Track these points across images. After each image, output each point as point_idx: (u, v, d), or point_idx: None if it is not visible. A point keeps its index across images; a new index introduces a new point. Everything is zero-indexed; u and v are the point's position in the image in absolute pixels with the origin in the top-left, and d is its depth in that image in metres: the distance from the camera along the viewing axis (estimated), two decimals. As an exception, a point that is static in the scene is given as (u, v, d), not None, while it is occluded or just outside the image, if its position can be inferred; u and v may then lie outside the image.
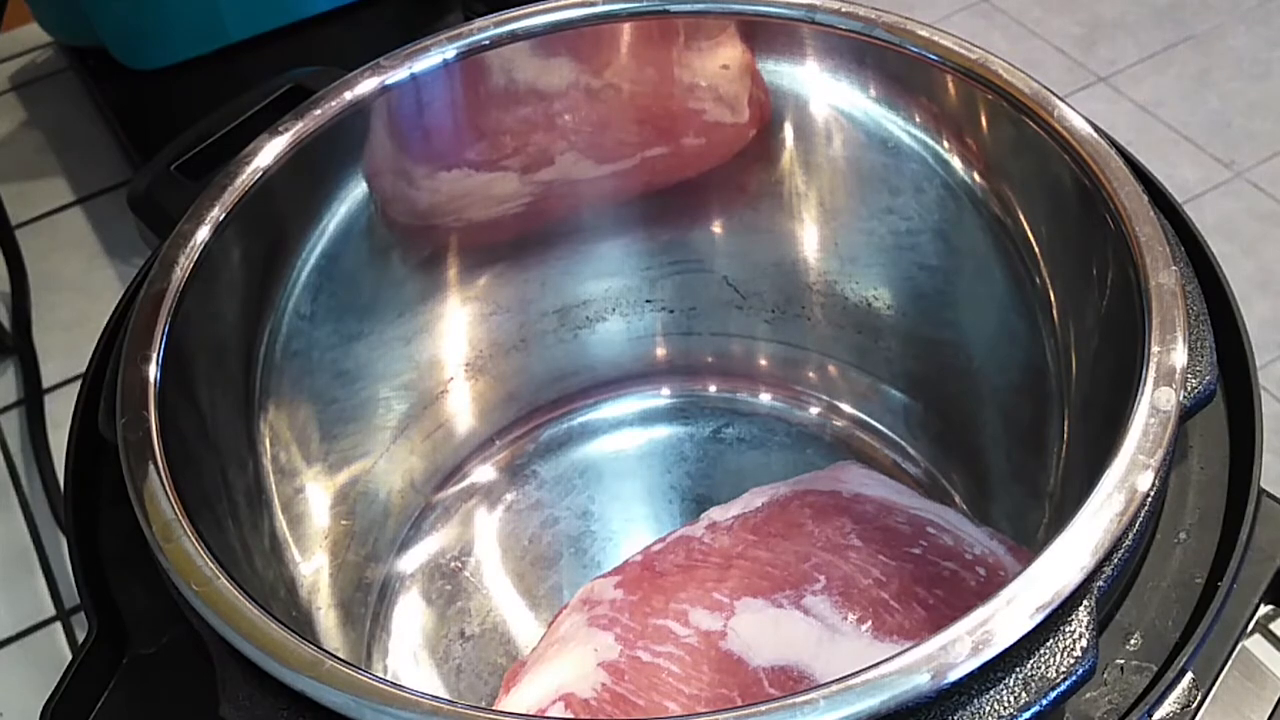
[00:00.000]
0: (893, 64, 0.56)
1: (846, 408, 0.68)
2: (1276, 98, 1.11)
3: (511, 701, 0.47)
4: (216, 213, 0.50)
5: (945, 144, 0.57)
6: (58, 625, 0.83)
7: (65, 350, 0.98)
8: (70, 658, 0.43)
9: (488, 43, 0.57)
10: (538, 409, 0.69)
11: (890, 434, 0.67)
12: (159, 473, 0.42)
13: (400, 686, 0.36)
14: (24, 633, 0.83)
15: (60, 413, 0.93)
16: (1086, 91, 1.13)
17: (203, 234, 0.50)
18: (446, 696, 0.37)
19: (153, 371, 0.45)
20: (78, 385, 0.50)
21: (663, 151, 0.63)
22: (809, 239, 0.65)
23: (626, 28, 0.58)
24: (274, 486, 0.57)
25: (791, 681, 0.47)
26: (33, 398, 0.94)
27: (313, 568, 0.57)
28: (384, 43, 0.58)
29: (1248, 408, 0.46)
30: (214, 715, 0.39)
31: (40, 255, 1.04)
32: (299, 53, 1.08)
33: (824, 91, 0.59)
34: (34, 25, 1.18)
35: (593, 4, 0.57)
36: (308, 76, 0.59)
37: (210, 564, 0.40)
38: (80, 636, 0.81)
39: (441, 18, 1.10)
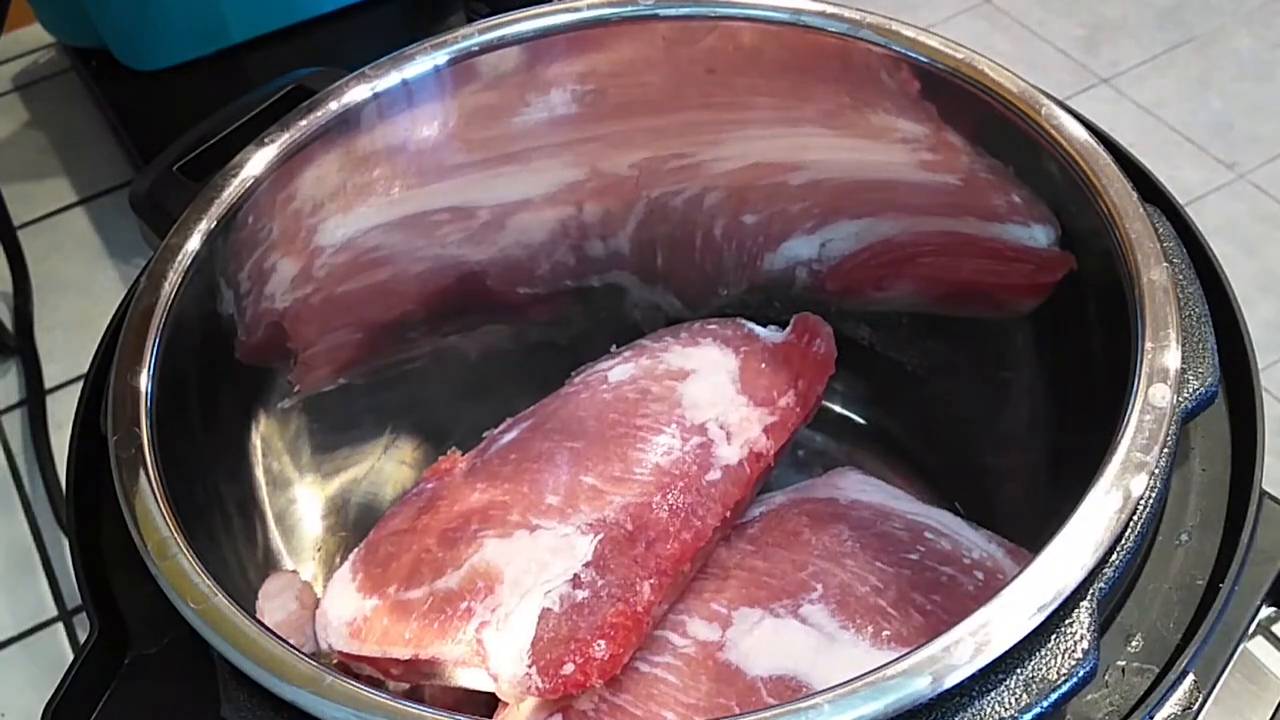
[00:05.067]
0: (877, 64, 0.56)
1: (842, 411, 0.68)
2: (1279, 99, 1.11)
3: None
4: (205, 225, 0.50)
5: (932, 144, 0.57)
6: (59, 626, 0.83)
7: (67, 351, 0.98)
8: (72, 658, 0.43)
9: (477, 49, 0.57)
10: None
11: (888, 437, 0.67)
12: (152, 489, 0.42)
13: (400, 700, 0.36)
14: (26, 633, 0.83)
15: (62, 413, 0.94)
16: (1089, 93, 1.13)
17: (191, 246, 0.50)
18: (445, 711, 0.37)
19: (144, 387, 0.45)
20: (79, 386, 0.50)
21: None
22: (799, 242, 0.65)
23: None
24: (267, 498, 0.57)
25: (789, 691, 0.47)
26: (35, 398, 0.94)
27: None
28: (386, 43, 0.58)
29: (1250, 409, 0.46)
30: (215, 716, 0.39)
31: (42, 256, 1.04)
32: (301, 53, 1.08)
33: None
34: (36, 26, 1.18)
35: (578, 9, 0.57)
36: (310, 77, 0.59)
37: (206, 580, 0.40)
38: (82, 637, 0.81)
39: (443, 19, 1.10)
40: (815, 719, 0.34)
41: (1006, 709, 0.36)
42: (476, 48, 0.57)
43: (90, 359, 0.51)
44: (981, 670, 0.35)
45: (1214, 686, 0.41)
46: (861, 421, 0.68)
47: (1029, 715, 0.36)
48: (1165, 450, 0.40)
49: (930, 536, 0.53)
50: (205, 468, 0.51)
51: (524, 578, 0.49)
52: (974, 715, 0.36)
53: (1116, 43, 1.18)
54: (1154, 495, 0.40)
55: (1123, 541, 0.39)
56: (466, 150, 0.59)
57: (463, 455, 0.58)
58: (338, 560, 0.59)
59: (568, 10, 0.57)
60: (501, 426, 0.60)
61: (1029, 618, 0.36)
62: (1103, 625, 0.40)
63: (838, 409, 0.68)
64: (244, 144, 0.53)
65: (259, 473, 0.57)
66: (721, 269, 0.66)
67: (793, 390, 0.58)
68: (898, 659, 0.35)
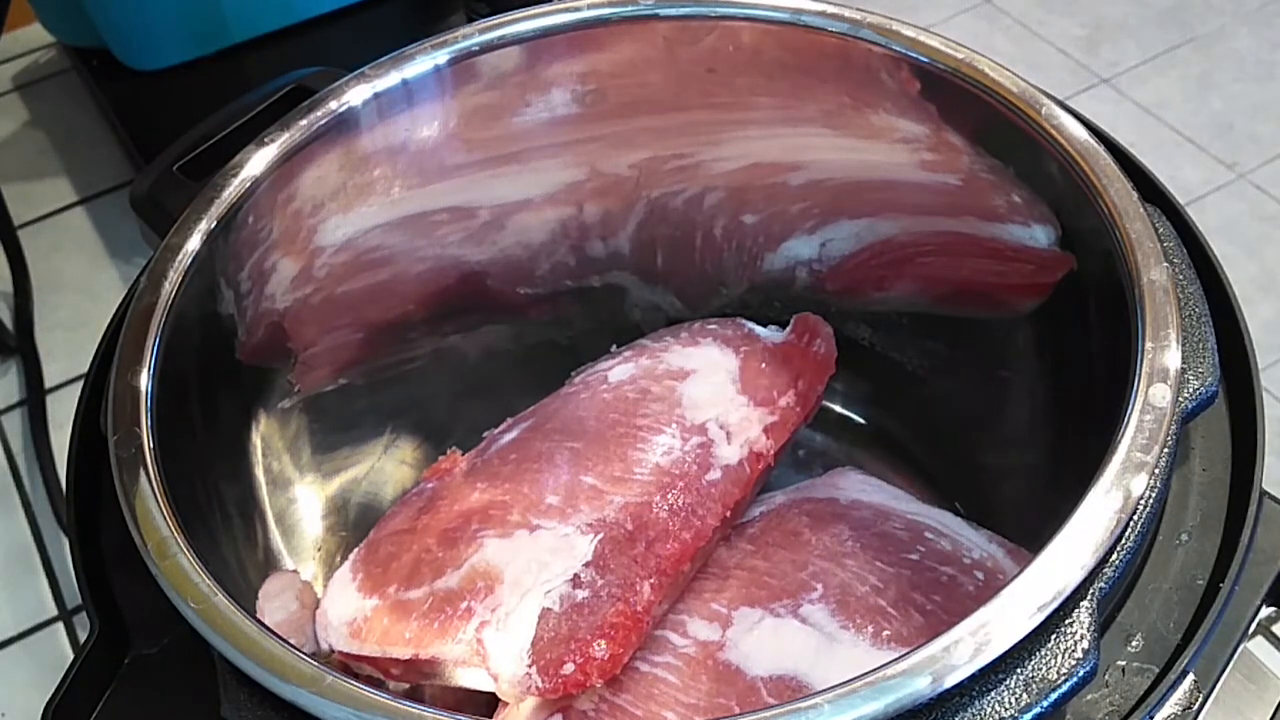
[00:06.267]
0: (877, 64, 0.56)
1: (842, 411, 0.68)
2: (1279, 100, 1.11)
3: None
4: (205, 225, 0.50)
5: (932, 144, 0.57)
6: (59, 625, 0.83)
7: (67, 351, 0.98)
8: (72, 658, 0.43)
9: (477, 49, 0.57)
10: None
11: (888, 437, 0.67)
12: (152, 489, 0.42)
13: (400, 700, 0.36)
14: (26, 633, 0.83)
15: (62, 413, 0.94)
16: (1089, 93, 1.13)
17: (191, 246, 0.50)
18: (445, 711, 0.37)
19: (144, 387, 0.45)
20: (80, 386, 0.50)
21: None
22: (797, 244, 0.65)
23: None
24: (267, 498, 0.57)
25: (789, 690, 0.47)
26: (35, 398, 0.94)
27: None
28: (386, 43, 0.58)
29: (1250, 410, 0.46)
30: (215, 715, 0.39)
31: (43, 255, 1.04)
32: (301, 53, 1.08)
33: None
34: (37, 26, 1.18)
35: (578, 9, 0.57)
36: (310, 77, 0.59)
37: (206, 580, 0.40)
38: (82, 637, 0.81)
39: (444, 18, 1.10)
40: (815, 719, 0.34)
41: (1006, 709, 0.36)
42: (476, 48, 0.57)
43: (90, 359, 0.51)
44: (981, 670, 0.35)
45: (1214, 686, 0.41)
46: (861, 421, 0.68)
47: (1029, 715, 0.36)
48: (1165, 450, 0.40)
49: (930, 536, 0.53)
50: (205, 468, 0.51)
51: (524, 577, 0.49)
52: (974, 715, 0.36)
53: (1117, 43, 1.18)
54: (1154, 495, 0.40)
55: (1123, 541, 0.39)
56: (467, 150, 0.59)
57: (463, 455, 0.58)
58: (338, 560, 0.59)
59: (568, 10, 0.57)
60: (502, 426, 0.60)
61: (1029, 618, 0.36)
62: (1103, 625, 0.40)
63: (838, 409, 0.68)
64: (244, 144, 0.53)
65: (259, 472, 0.57)
66: (721, 269, 0.66)
67: (793, 390, 0.58)
68: (898, 659, 0.35)
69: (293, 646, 0.38)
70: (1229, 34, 1.17)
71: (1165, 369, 0.41)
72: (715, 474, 0.54)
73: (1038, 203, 0.53)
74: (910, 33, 0.54)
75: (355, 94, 0.55)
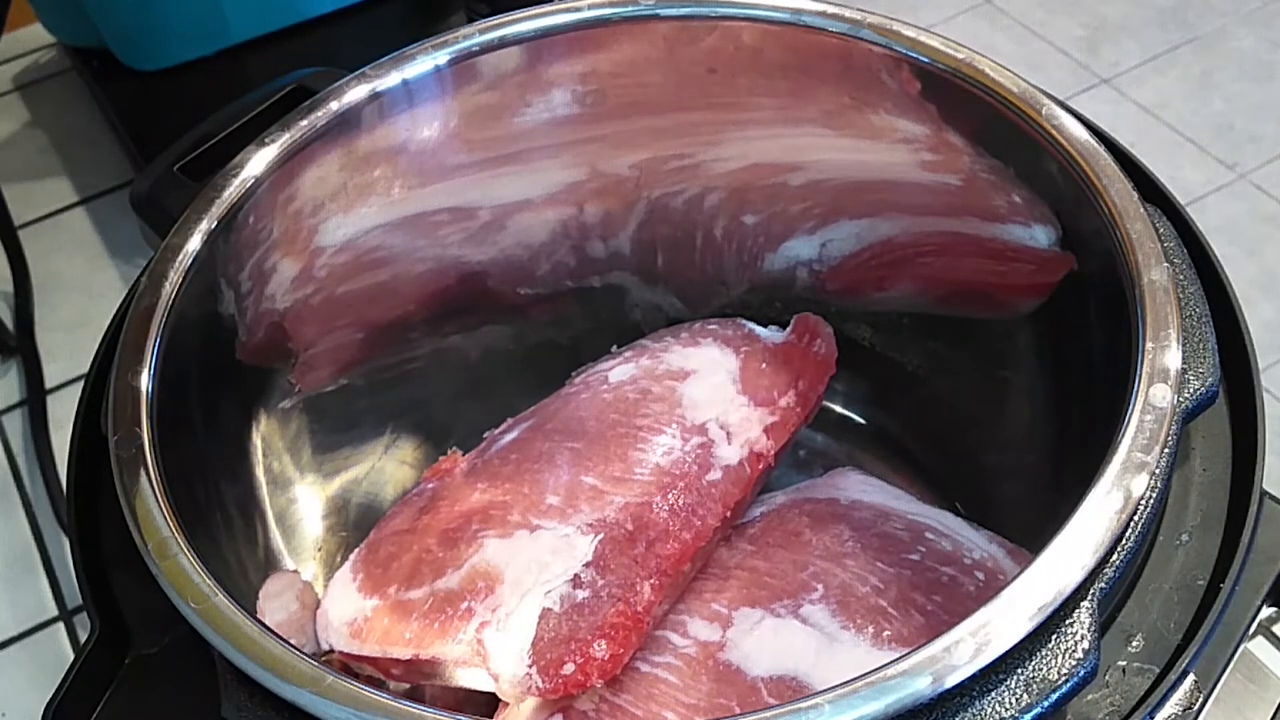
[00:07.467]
0: (878, 64, 0.56)
1: (842, 411, 0.68)
2: (1279, 100, 1.11)
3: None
4: (205, 225, 0.50)
5: (932, 144, 0.57)
6: (60, 625, 0.83)
7: (68, 351, 0.98)
8: (72, 658, 0.43)
9: (477, 49, 0.57)
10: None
11: (888, 437, 0.67)
12: (153, 489, 0.42)
13: (401, 700, 0.36)
14: (26, 633, 0.83)
15: (63, 413, 0.94)
16: (1090, 93, 1.13)
17: (191, 246, 0.50)
18: (446, 711, 0.37)
19: (144, 387, 0.45)
20: (80, 386, 0.50)
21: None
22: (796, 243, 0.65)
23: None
24: (267, 498, 0.57)
25: (790, 691, 0.47)
26: (35, 398, 0.94)
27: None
28: (386, 43, 0.58)
29: (1250, 410, 0.46)
30: (216, 716, 0.39)
31: (43, 255, 1.04)
32: (302, 53, 1.08)
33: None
34: (37, 26, 1.18)
35: (578, 9, 0.57)
36: (310, 77, 0.59)
37: (207, 580, 0.40)
38: (83, 637, 0.81)
39: (444, 18, 1.10)
40: (816, 719, 0.34)
41: (1007, 709, 0.36)
42: (477, 48, 0.57)
43: (90, 359, 0.51)
44: (982, 670, 0.35)
45: (1214, 687, 0.41)
46: (862, 421, 0.68)
47: (1029, 715, 0.36)
48: (1166, 450, 0.40)
49: (931, 537, 0.53)
50: (206, 468, 0.51)
51: (524, 578, 0.49)
52: (974, 715, 0.36)
53: (1117, 43, 1.18)
54: (1154, 495, 0.40)
55: (1123, 542, 0.39)
56: (467, 150, 0.59)
57: (463, 455, 0.58)
58: (338, 560, 0.59)
59: (568, 10, 0.57)
60: (502, 426, 0.60)
61: (1029, 618, 0.36)
62: (1103, 625, 0.40)
63: (838, 409, 0.68)
64: (244, 144, 0.53)
65: (259, 472, 0.57)
66: (722, 269, 0.66)
67: (793, 390, 0.58)
68: (898, 659, 0.35)
69: (293, 646, 0.38)
70: (1229, 34, 1.17)
71: (1166, 369, 0.41)
72: (715, 474, 0.54)
73: (1038, 203, 0.53)
74: (910, 33, 0.54)
75: (356, 94, 0.55)
